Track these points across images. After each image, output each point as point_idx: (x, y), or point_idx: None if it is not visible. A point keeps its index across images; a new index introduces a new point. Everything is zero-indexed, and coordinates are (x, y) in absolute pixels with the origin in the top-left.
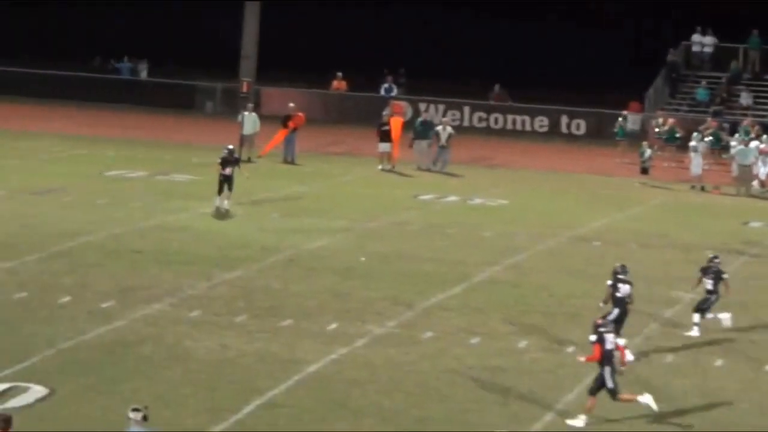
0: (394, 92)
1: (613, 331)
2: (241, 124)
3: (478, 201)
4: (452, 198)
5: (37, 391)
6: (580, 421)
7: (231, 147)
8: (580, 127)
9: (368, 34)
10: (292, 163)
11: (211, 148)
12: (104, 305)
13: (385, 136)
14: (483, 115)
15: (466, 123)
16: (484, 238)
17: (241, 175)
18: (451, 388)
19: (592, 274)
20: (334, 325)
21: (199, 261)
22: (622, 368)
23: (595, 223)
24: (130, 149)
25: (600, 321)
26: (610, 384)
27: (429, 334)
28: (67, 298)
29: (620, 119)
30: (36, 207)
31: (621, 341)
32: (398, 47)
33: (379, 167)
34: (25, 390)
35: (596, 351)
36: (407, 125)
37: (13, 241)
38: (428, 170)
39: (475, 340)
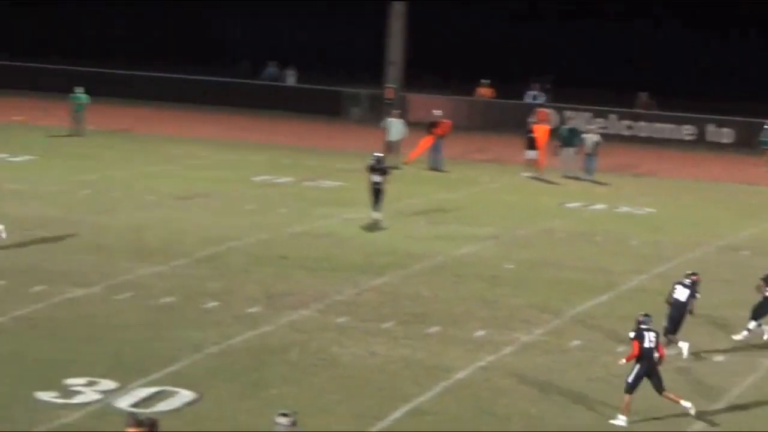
0: (540, 100)
1: (653, 329)
2: (386, 131)
3: (624, 209)
4: (599, 206)
5: (185, 395)
6: (621, 421)
7: (379, 154)
8: (727, 135)
9: (515, 41)
10: (438, 170)
11: (357, 154)
12: (251, 310)
13: (531, 144)
14: (629, 123)
15: (612, 131)
16: (631, 247)
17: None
18: (598, 396)
19: (740, 284)
20: (481, 333)
21: (345, 267)
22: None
23: (743, 233)
24: (277, 155)
25: (641, 318)
26: (630, 378)
27: (576, 342)
28: (214, 303)
29: (765, 127)
30: (184, 212)
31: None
32: (545, 55)
33: (525, 174)
34: (173, 394)
35: (635, 348)
36: (553, 133)
37: (161, 246)
38: (575, 178)
39: (621, 349)
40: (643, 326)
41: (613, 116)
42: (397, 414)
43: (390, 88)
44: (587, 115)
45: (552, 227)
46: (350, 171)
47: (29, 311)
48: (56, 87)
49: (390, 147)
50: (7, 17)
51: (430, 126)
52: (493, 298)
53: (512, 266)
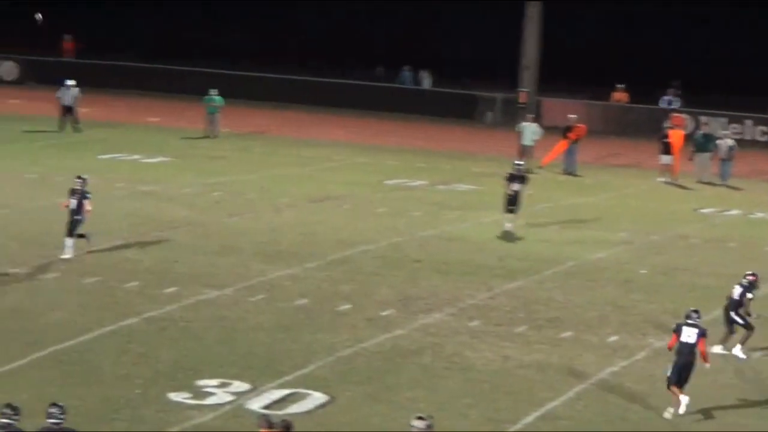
0: (676, 105)
1: (697, 326)
2: (520, 135)
3: (759, 215)
4: (734, 212)
5: (317, 397)
6: (668, 414)
7: (520, 162)
8: None
9: (648, 46)
10: (573, 174)
11: (491, 158)
12: (384, 313)
13: (666, 149)
14: (765, 128)
15: (747, 136)
16: (765, 253)
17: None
18: (730, 401)
19: None
20: (614, 338)
21: (478, 271)
22: (706, 365)
23: None
24: (410, 158)
25: (688, 312)
26: (667, 372)
27: (709, 348)
28: (347, 306)
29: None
30: (317, 215)
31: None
32: (679, 59)
33: (660, 179)
34: (304, 396)
35: (672, 340)
36: (688, 138)
37: (294, 248)
38: (709, 183)
39: (757, 355)
40: (687, 321)
41: (748, 122)
42: (529, 418)
43: (524, 92)
44: (722, 120)
45: (686, 233)
46: (484, 175)
47: (162, 312)
48: (191, 89)
49: (524, 151)
50: (143, 19)
51: (565, 130)
52: (627, 304)
53: (646, 272)
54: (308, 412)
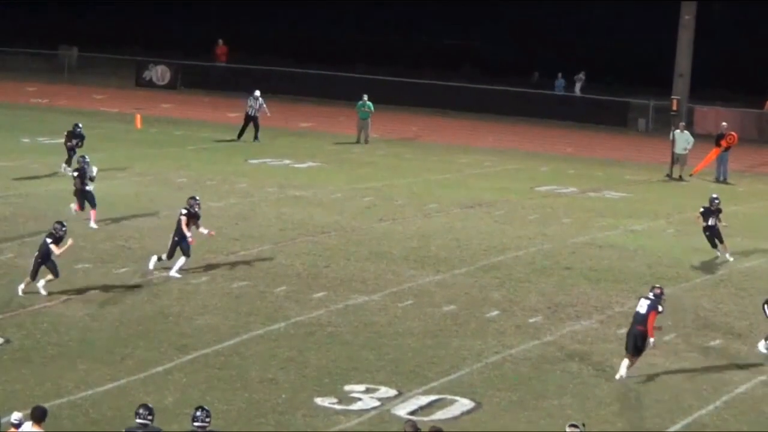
0: None
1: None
2: (672, 143)
3: None
4: None
5: (464, 404)
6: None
7: (715, 196)
8: None
9: None
10: (724, 182)
11: (643, 166)
12: (532, 320)
13: None
14: None
15: None
16: None
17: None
18: None
19: None
20: (763, 347)
21: (628, 278)
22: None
23: None
24: (561, 165)
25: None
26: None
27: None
28: (495, 312)
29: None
30: (467, 221)
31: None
32: None
33: None
34: (451, 402)
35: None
36: None
37: (443, 254)
38: None
39: None
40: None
41: None
42: (676, 427)
43: (676, 100)
44: None
45: None
46: (636, 182)
47: (310, 317)
48: (343, 94)
49: (676, 159)
50: (296, 24)
51: (717, 138)
52: None
53: None
54: (455, 419)
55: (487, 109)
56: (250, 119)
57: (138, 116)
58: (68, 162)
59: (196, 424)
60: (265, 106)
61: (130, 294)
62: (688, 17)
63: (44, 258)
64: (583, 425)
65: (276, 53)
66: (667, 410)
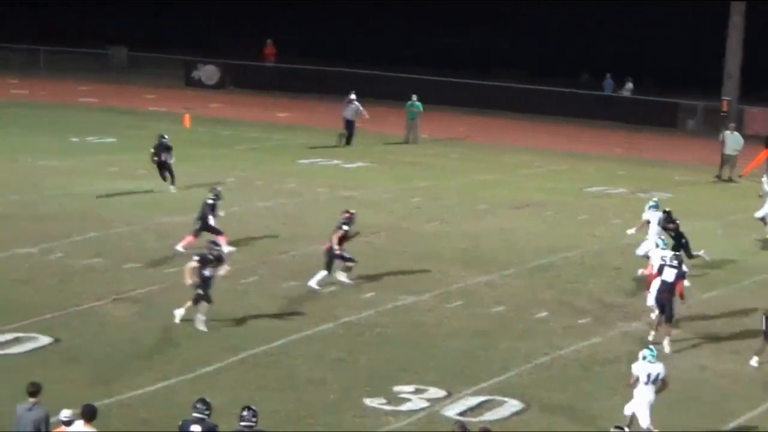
0: None
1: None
2: (722, 144)
3: None
4: None
5: (513, 405)
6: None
7: None
8: None
9: None
10: None
11: (692, 167)
12: (582, 321)
13: None
14: None
15: None
16: None
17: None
18: None
19: None
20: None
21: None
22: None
23: None
24: (611, 166)
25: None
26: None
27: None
28: (544, 313)
29: None
30: (516, 221)
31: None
32: None
33: None
34: (501, 404)
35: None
36: None
37: (492, 254)
38: None
39: None
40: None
41: None
42: (725, 429)
43: (726, 101)
44: None
45: None
46: (686, 183)
47: (359, 317)
48: (392, 94)
49: (726, 160)
50: (345, 27)
51: (767, 139)
52: None
53: None
54: (504, 419)
55: (536, 109)
56: (349, 123)
57: (187, 116)
58: (168, 179)
59: (242, 423)
60: (362, 109)
61: (179, 294)
62: (737, 17)
63: (204, 285)
64: (629, 427)
65: (325, 54)
66: (717, 412)
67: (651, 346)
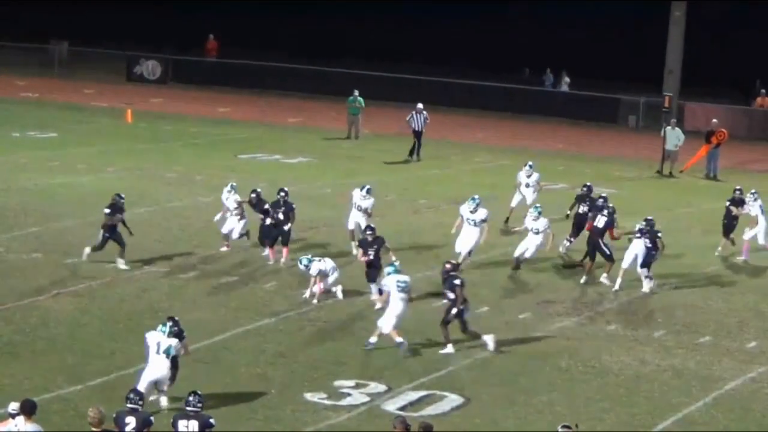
0: None
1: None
2: (663, 139)
3: None
4: None
5: (453, 399)
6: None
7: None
8: None
9: None
10: (714, 179)
11: (633, 162)
12: (522, 316)
13: None
14: None
15: None
16: None
17: None
18: None
19: None
20: (753, 344)
21: (617, 275)
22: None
23: None
24: (551, 161)
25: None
26: None
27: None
28: (485, 308)
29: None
30: (457, 217)
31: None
32: None
33: None
34: (441, 398)
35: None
36: None
37: (433, 250)
38: None
39: None
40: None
41: None
42: (666, 423)
43: (667, 96)
44: None
45: None
46: (626, 179)
47: (299, 312)
48: (332, 89)
49: (667, 156)
50: (287, 21)
51: (707, 135)
52: (767, 309)
53: None
54: (444, 414)
55: (478, 104)
56: (417, 134)
57: (128, 111)
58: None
59: (188, 408)
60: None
61: (120, 289)
62: (678, 14)
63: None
64: (576, 426)
65: (266, 48)
66: (657, 407)
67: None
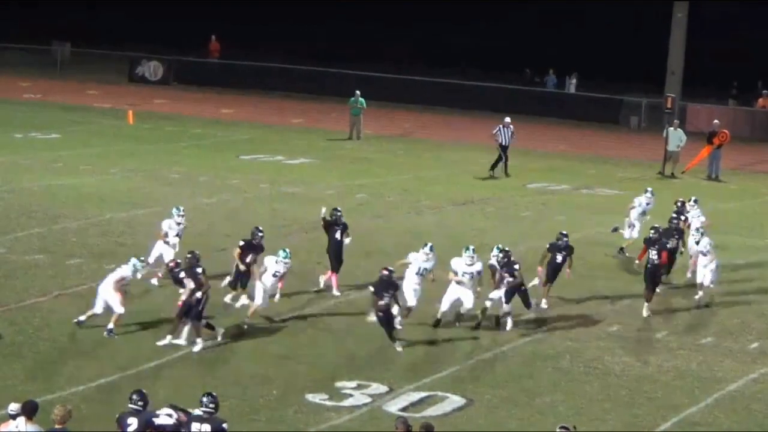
0: None
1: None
2: (665, 140)
3: None
4: None
5: (455, 400)
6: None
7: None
8: None
9: None
10: (717, 179)
11: (635, 163)
12: (524, 317)
13: None
14: None
15: None
16: None
17: None
18: None
19: None
20: (755, 344)
21: (620, 276)
22: None
23: None
24: (554, 162)
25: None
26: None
27: None
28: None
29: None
30: (460, 217)
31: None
32: None
33: None
34: (442, 399)
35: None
36: None
37: (436, 251)
38: None
39: None
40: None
41: None
42: (667, 424)
43: (669, 98)
44: None
45: None
46: (629, 179)
47: (303, 313)
48: (335, 91)
49: (669, 156)
50: (289, 23)
51: (709, 136)
52: None
53: None
54: (445, 415)
55: (480, 106)
56: (503, 149)
57: (130, 112)
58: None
59: (202, 409)
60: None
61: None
62: (680, 15)
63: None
64: (574, 428)
65: (269, 49)
66: (659, 407)
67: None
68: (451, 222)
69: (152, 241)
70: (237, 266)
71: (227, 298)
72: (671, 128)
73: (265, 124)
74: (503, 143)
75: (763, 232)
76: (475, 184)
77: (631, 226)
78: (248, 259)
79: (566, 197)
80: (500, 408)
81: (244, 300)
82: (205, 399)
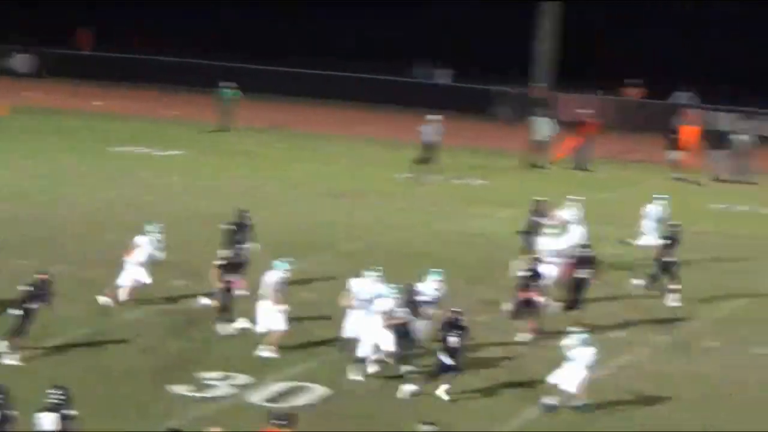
0: (690, 101)
1: None
2: (533, 130)
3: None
4: (743, 208)
5: (319, 390)
6: None
7: None
8: None
9: (664, 43)
10: (585, 169)
11: (504, 153)
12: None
13: (674, 144)
14: None
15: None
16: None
17: None
18: None
19: None
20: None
21: (490, 267)
22: None
23: None
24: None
25: None
26: None
27: None
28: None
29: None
30: (332, 208)
31: None
32: (694, 55)
33: (675, 175)
34: (307, 389)
35: None
36: (704, 134)
37: (306, 241)
38: (725, 180)
39: None
40: None
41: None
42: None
43: (538, 87)
44: (738, 115)
45: (701, 229)
46: (498, 169)
47: (166, 307)
48: (209, 82)
49: (537, 146)
50: (158, 11)
51: (578, 125)
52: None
53: None
54: (311, 405)
55: (358, 98)
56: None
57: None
58: None
59: (48, 401)
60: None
61: None
62: (549, 3)
63: None
64: (434, 425)
65: (140, 41)
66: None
67: None
68: (324, 212)
69: (17, 236)
70: (226, 289)
71: (232, 328)
72: (540, 118)
73: (138, 116)
74: (429, 140)
75: (627, 221)
76: (347, 176)
77: (645, 234)
78: (231, 278)
79: (439, 188)
80: (366, 397)
81: (244, 323)
82: (52, 391)
